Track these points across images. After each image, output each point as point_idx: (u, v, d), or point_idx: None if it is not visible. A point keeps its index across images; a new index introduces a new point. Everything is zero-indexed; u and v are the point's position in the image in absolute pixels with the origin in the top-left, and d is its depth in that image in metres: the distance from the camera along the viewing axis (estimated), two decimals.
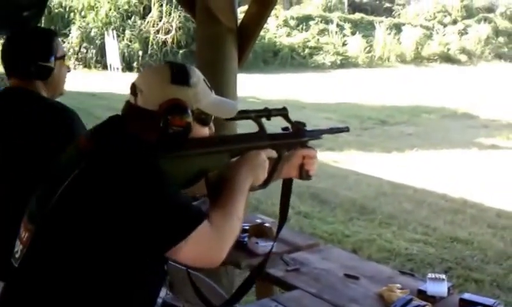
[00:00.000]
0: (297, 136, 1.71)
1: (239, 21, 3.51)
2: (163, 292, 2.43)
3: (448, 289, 2.26)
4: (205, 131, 1.52)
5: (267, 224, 2.75)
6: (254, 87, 13.57)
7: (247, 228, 2.71)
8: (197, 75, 1.49)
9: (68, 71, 2.29)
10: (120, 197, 1.32)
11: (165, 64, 1.51)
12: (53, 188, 1.39)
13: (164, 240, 1.34)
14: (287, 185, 1.73)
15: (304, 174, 1.72)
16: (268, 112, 1.63)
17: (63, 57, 2.23)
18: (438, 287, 2.23)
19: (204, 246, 1.38)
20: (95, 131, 1.49)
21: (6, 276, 1.46)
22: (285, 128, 1.71)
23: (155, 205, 1.32)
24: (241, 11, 3.95)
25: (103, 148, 1.40)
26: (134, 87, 1.47)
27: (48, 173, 1.52)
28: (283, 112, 1.67)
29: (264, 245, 2.58)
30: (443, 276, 2.33)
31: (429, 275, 2.34)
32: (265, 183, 1.62)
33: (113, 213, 1.31)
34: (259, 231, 2.72)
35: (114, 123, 1.48)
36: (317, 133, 1.77)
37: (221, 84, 3.36)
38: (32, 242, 1.39)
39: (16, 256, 1.42)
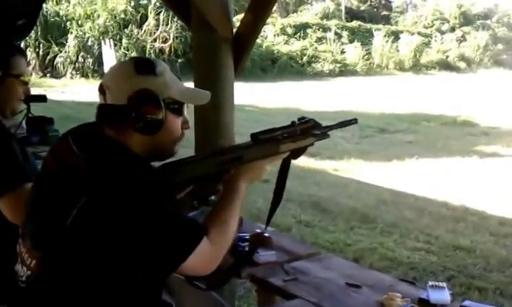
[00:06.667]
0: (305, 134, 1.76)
1: (235, 30, 3.50)
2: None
3: None
4: (178, 121, 1.50)
5: (266, 234, 2.73)
6: (252, 95, 13.57)
7: (247, 237, 2.68)
8: (163, 65, 1.50)
9: (27, 93, 2.10)
10: (126, 224, 1.32)
11: (129, 59, 1.53)
12: (58, 216, 1.36)
13: (173, 259, 1.37)
14: (286, 166, 1.75)
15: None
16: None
17: (18, 76, 2.06)
18: (441, 295, 2.20)
19: (204, 259, 1.43)
20: (83, 148, 1.41)
21: (6, 299, 1.46)
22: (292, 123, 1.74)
23: (160, 227, 1.34)
24: (237, 20, 3.93)
25: (101, 174, 1.36)
26: (101, 87, 1.46)
27: (39, 192, 1.47)
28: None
29: (264, 255, 2.57)
30: (444, 284, 2.30)
31: (430, 283, 2.31)
32: None
33: (121, 240, 1.32)
34: (259, 240, 2.70)
35: (91, 131, 1.45)
36: (326, 130, 1.82)
37: (217, 93, 3.33)
38: (44, 269, 1.37)
39: (22, 279, 1.41)
